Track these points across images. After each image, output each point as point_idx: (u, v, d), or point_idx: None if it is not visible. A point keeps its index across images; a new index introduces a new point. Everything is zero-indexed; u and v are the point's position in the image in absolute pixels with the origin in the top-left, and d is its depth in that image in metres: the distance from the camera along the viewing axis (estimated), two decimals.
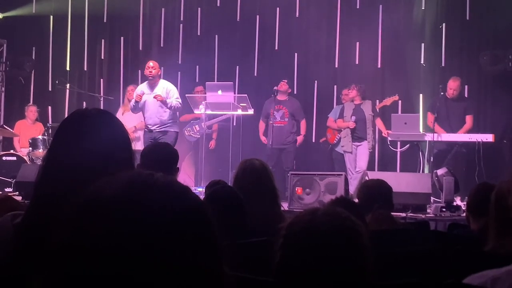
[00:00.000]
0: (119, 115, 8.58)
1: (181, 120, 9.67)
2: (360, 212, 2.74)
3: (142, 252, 0.72)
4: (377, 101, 9.05)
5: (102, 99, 9.93)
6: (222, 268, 0.80)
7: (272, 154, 8.47)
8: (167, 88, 7.77)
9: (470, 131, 8.26)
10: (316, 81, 10.06)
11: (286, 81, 8.83)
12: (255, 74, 10.16)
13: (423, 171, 8.13)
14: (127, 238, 0.72)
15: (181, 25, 10.54)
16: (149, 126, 7.79)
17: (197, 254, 0.76)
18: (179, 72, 10.38)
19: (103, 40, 10.78)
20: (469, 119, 8.38)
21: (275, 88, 8.62)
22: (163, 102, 7.60)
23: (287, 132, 8.74)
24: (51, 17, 10.86)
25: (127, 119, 8.42)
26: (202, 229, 0.79)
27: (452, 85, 8.37)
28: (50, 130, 9.06)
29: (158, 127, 7.73)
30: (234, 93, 8.14)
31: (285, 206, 6.23)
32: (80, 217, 0.76)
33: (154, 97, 7.59)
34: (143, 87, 7.90)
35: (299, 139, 8.90)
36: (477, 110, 9.06)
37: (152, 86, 7.81)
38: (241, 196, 3.12)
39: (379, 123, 8.60)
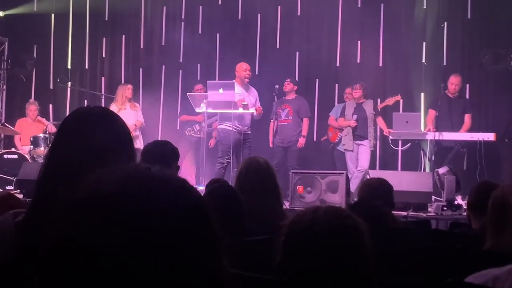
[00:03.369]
0: None
1: (180, 120, 9.68)
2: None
3: (141, 248, 0.71)
4: (379, 100, 9.04)
5: (103, 97, 9.93)
6: (222, 264, 0.79)
7: (277, 152, 8.47)
8: (257, 97, 8.22)
9: (470, 130, 8.26)
10: (317, 80, 10.05)
11: (289, 80, 8.80)
12: (257, 73, 10.14)
13: (424, 170, 8.13)
14: (125, 234, 0.71)
15: (182, 23, 10.53)
16: (240, 126, 7.99)
17: (197, 248, 0.74)
18: (180, 71, 10.38)
19: (104, 38, 10.77)
20: (467, 118, 8.38)
21: (277, 86, 8.60)
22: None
23: (291, 130, 8.66)
24: (53, 15, 10.85)
25: (124, 117, 8.41)
26: (201, 222, 0.77)
27: (454, 80, 8.39)
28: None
29: (248, 128, 8.09)
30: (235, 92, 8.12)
31: (286, 204, 6.24)
32: (76, 214, 0.75)
33: (257, 111, 8.01)
34: (239, 89, 7.98)
35: (301, 140, 8.60)
36: (478, 109, 9.05)
37: (246, 89, 8.08)
38: (240, 195, 3.11)
39: (380, 121, 8.58)
